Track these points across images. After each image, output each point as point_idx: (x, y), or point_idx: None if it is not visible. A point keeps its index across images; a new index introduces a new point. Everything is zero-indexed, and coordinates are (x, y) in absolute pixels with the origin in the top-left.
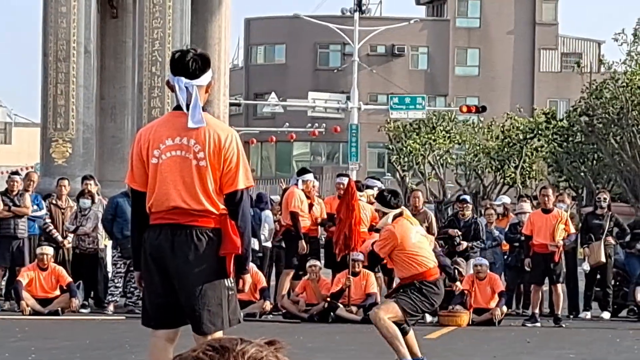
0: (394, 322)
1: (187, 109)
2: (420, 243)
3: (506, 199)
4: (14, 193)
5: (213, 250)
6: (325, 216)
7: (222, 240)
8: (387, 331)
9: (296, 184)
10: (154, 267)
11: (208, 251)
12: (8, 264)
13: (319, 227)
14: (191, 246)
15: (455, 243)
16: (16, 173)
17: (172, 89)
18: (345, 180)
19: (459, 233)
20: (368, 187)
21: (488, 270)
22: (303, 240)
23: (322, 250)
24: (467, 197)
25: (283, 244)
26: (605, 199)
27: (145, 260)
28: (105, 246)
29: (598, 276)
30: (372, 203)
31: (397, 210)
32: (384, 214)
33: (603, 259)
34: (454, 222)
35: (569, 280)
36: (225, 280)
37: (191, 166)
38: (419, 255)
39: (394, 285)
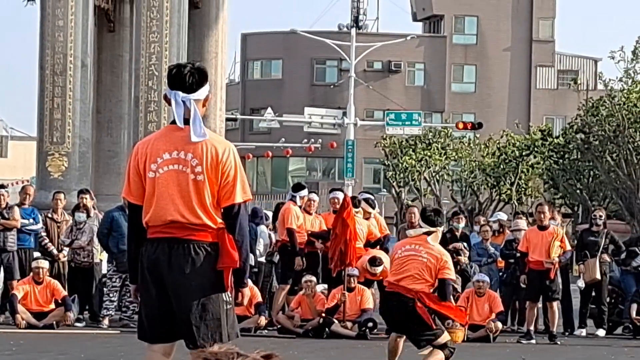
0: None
1: (184, 123)
2: None
3: (502, 216)
4: (3, 206)
5: (211, 264)
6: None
7: (220, 254)
8: None
9: (291, 200)
10: (151, 280)
11: (205, 265)
12: None
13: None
14: (188, 260)
15: (459, 255)
16: (3, 186)
17: (170, 102)
18: (339, 194)
19: (463, 247)
20: (367, 200)
21: (488, 288)
22: (299, 257)
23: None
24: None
25: (274, 260)
26: (601, 216)
27: (142, 274)
28: (101, 260)
29: (593, 293)
30: (367, 218)
31: (442, 228)
32: (430, 233)
33: (598, 276)
34: (447, 238)
35: (563, 297)
36: (224, 294)
37: (188, 180)
38: None
39: None
